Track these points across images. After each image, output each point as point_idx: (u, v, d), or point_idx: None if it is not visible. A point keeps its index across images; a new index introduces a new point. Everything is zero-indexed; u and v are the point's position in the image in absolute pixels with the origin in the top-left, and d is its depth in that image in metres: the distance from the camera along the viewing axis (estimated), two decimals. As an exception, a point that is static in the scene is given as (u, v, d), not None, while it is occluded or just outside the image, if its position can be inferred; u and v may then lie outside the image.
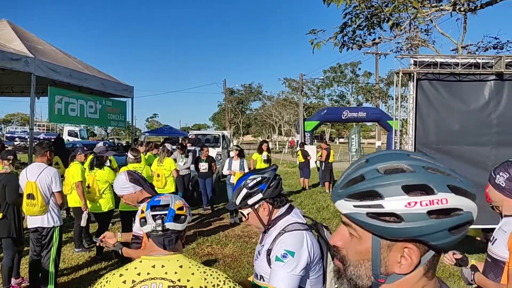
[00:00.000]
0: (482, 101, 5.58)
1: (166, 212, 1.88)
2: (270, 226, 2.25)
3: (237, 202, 2.25)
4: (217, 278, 1.79)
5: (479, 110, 5.58)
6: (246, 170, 9.09)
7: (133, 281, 1.68)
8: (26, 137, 32.47)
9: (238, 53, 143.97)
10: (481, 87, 5.58)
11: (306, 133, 26.66)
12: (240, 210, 2.33)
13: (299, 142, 18.12)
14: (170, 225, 1.86)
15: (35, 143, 6.22)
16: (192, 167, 10.84)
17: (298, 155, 14.68)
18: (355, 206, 0.86)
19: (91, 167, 6.62)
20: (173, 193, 8.57)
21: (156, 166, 8.56)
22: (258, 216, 2.25)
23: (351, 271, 0.91)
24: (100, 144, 10.52)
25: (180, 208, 1.93)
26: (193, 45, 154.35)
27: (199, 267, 1.81)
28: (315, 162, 15.88)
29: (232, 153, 9.46)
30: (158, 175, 8.39)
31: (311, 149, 19.58)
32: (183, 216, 1.92)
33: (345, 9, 7.24)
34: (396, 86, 5.83)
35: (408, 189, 0.82)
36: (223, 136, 19.83)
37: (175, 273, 1.73)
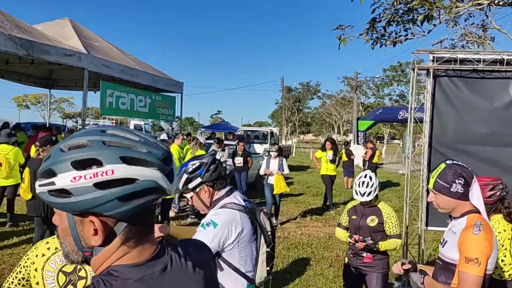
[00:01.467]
0: (507, 99, 5.28)
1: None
2: (212, 207, 2.40)
3: (180, 187, 2.43)
4: None
5: (504, 109, 5.29)
6: (286, 171, 8.99)
7: (56, 248, 1.89)
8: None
9: (297, 51, 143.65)
10: (507, 84, 5.28)
11: (359, 133, 26.16)
12: (184, 195, 2.50)
13: (344, 141, 17.87)
14: None
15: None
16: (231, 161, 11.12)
17: (342, 154, 14.51)
18: (39, 185, 0.90)
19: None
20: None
21: (189, 157, 8.94)
22: (200, 199, 2.42)
23: (63, 247, 0.97)
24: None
25: None
26: (254, 43, 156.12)
27: None
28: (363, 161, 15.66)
29: (272, 153, 9.00)
30: (191, 166, 8.75)
31: (360, 149, 19.24)
32: None
33: (373, 4, 7.13)
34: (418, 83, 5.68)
35: (79, 164, 0.87)
36: (272, 133, 20.02)
37: None
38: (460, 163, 2.34)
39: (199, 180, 2.38)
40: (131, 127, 42.00)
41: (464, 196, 2.27)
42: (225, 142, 12.47)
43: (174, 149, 9.32)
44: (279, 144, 19.16)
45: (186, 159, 8.91)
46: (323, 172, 10.87)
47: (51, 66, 11.56)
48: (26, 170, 5.66)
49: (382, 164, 14.97)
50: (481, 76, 5.31)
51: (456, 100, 5.39)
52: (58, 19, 12.81)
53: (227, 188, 2.45)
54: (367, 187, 3.80)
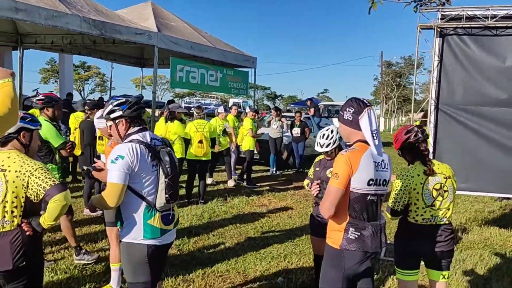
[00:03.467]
0: (522, 58, 4.93)
1: None
2: (123, 139, 2.91)
3: (104, 114, 2.97)
4: (32, 166, 2.55)
5: (518, 68, 4.95)
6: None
7: None
8: (190, 105, 37.23)
9: (397, 23, 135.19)
10: (522, 41, 4.92)
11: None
12: (106, 123, 3.04)
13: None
14: None
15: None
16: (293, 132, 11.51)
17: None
18: None
19: (166, 121, 7.90)
20: (252, 151, 9.44)
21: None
22: (117, 129, 2.94)
23: None
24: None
25: None
26: (350, 16, 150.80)
27: (22, 158, 2.58)
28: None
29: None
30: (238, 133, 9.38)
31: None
32: None
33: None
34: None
35: None
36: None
37: (2, 161, 2.56)
38: (360, 98, 2.64)
39: (120, 113, 2.88)
40: (230, 104, 44.30)
41: (353, 124, 2.61)
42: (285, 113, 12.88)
43: (230, 118, 9.97)
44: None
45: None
46: None
47: (131, 45, 12.75)
48: (77, 130, 6.71)
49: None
50: (494, 34, 5.01)
51: (465, 60, 5.17)
52: (142, 3, 14.10)
53: (140, 127, 2.94)
54: (326, 139, 4.01)
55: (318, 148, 4.09)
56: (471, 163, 5.16)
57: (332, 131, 4.06)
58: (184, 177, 7.92)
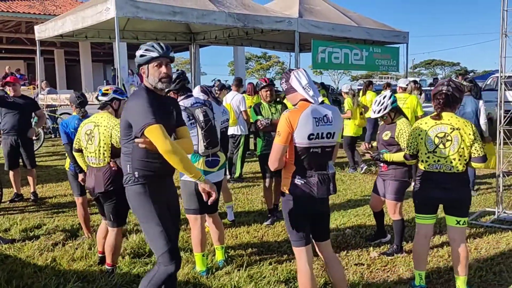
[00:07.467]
0: None
1: (98, 92, 3.92)
2: None
3: None
4: (114, 123, 3.68)
5: None
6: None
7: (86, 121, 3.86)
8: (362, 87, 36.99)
9: None
10: None
11: None
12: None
13: None
14: (100, 98, 3.86)
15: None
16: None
17: None
18: None
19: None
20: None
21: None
22: None
23: None
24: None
25: (106, 90, 3.86)
26: None
27: (110, 117, 3.73)
28: None
29: None
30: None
31: None
32: (108, 94, 3.84)
33: None
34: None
35: None
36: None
37: (98, 119, 3.77)
38: (293, 69, 3.05)
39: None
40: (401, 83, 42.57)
41: (290, 89, 2.94)
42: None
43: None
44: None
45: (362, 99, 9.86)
46: None
47: (276, 32, 13.67)
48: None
49: None
50: None
51: None
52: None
53: (185, 96, 3.87)
54: (378, 105, 4.31)
55: (372, 115, 4.42)
56: None
57: (384, 97, 4.32)
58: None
